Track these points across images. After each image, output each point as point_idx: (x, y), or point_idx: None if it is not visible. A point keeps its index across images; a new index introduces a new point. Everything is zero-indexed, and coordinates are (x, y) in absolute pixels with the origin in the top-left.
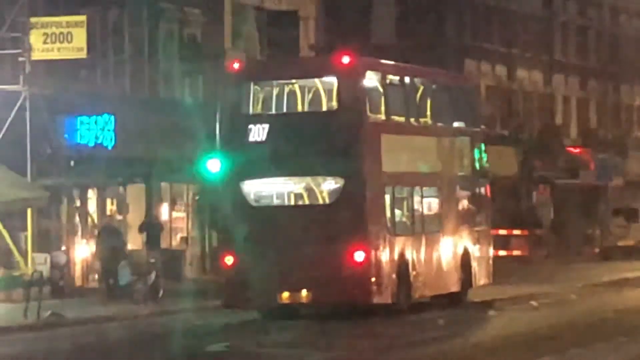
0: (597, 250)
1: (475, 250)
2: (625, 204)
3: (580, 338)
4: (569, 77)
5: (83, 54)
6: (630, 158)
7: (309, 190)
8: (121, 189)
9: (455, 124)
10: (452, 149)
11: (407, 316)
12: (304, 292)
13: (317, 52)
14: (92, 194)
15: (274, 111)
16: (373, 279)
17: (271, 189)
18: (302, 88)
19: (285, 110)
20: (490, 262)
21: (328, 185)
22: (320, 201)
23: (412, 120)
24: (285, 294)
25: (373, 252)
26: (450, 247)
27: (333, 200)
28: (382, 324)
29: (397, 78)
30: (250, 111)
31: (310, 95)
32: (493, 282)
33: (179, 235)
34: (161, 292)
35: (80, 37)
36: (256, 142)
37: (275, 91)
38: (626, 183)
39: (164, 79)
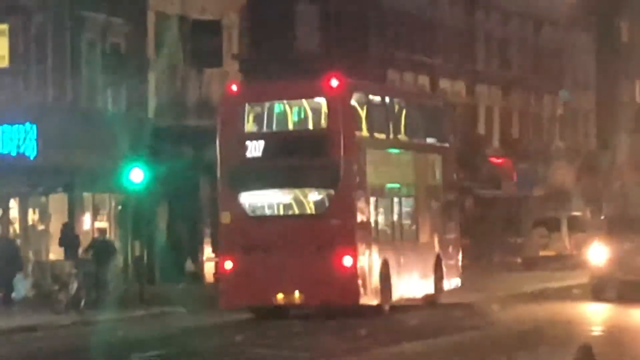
0: (519, 260)
1: (446, 256)
2: (547, 214)
3: (502, 348)
4: (491, 88)
5: (5, 63)
6: (552, 168)
7: (301, 201)
8: (43, 198)
9: (430, 140)
10: (427, 163)
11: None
12: (296, 294)
13: (241, 61)
14: (13, 204)
15: (268, 129)
16: (360, 282)
17: (267, 200)
18: (293, 108)
19: (278, 128)
20: (460, 267)
21: (319, 197)
22: (312, 211)
23: (392, 136)
24: (280, 296)
25: (360, 257)
26: (426, 253)
27: (323, 210)
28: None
29: (379, 98)
30: (247, 129)
31: (302, 114)
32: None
33: None
34: (83, 302)
35: (1, 46)
36: (253, 158)
37: (268, 111)
38: (548, 193)
39: (87, 88)
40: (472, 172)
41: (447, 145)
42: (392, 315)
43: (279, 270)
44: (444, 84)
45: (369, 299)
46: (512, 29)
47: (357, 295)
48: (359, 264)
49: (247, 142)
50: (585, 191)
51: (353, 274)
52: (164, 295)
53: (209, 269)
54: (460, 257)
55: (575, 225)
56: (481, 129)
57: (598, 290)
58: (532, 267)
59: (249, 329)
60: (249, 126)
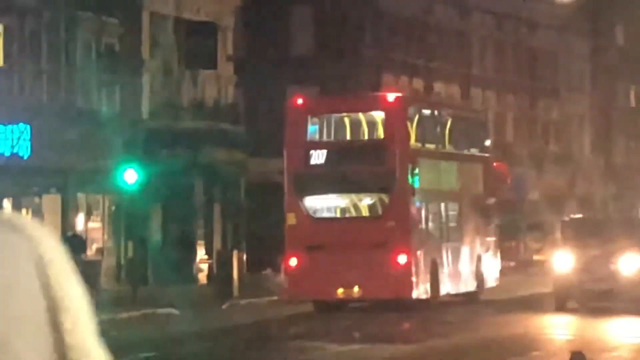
0: (512, 264)
1: (486, 257)
2: (541, 219)
3: (493, 354)
4: (486, 91)
5: None
6: (546, 172)
7: (360, 204)
8: (37, 199)
9: (473, 151)
10: (471, 171)
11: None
12: (356, 289)
13: (236, 63)
14: (7, 204)
15: (330, 139)
16: (413, 278)
17: (329, 203)
18: (353, 120)
19: (339, 138)
20: (498, 267)
21: (376, 201)
22: (369, 214)
23: (440, 147)
24: (340, 290)
25: (413, 256)
26: (468, 253)
27: (380, 213)
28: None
29: (429, 112)
30: (310, 139)
31: (361, 126)
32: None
33: (94, 246)
34: None
35: None
36: (316, 165)
37: (330, 122)
38: (542, 197)
39: (81, 89)
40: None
41: (487, 155)
42: (439, 309)
43: (340, 267)
44: (438, 87)
45: (420, 294)
46: (507, 33)
47: (410, 290)
48: (412, 262)
49: (311, 151)
50: (579, 195)
51: (407, 270)
52: (158, 296)
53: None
54: (498, 258)
55: None
56: None
57: (561, 300)
58: (525, 272)
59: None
60: (312, 136)
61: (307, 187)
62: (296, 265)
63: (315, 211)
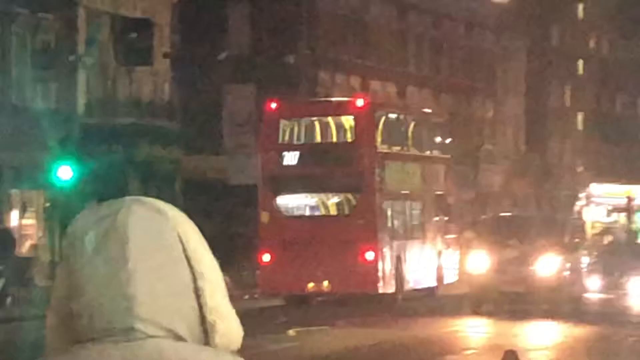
0: None
1: (447, 254)
2: (476, 217)
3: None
4: (422, 90)
5: None
6: (482, 171)
7: (330, 203)
8: None
9: (435, 152)
10: (433, 172)
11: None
12: (325, 283)
13: (172, 60)
14: None
15: (302, 141)
16: (380, 274)
17: (301, 202)
18: (323, 123)
19: (311, 140)
20: (458, 263)
21: (345, 200)
22: (339, 212)
23: (405, 149)
24: (311, 284)
25: (380, 252)
26: (430, 250)
27: (349, 211)
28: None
29: (395, 116)
30: (283, 141)
31: (331, 129)
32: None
33: (28, 242)
34: (9, 299)
35: None
36: (289, 166)
37: (302, 126)
38: (477, 195)
39: (16, 85)
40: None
41: (448, 156)
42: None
43: (310, 262)
44: (375, 85)
45: (387, 289)
46: (444, 32)
47: (376, 285)
48: (379, 258)
49: (284, 152)
50: (514, 194)
51: (374, 266)
52: None
53: None
54: (458, 254)
55: None
56: None
57: (476, 303)
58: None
59: None
60: (285, 138)
61: (280, 186)
62: (269, 261)
63: (287, 210)
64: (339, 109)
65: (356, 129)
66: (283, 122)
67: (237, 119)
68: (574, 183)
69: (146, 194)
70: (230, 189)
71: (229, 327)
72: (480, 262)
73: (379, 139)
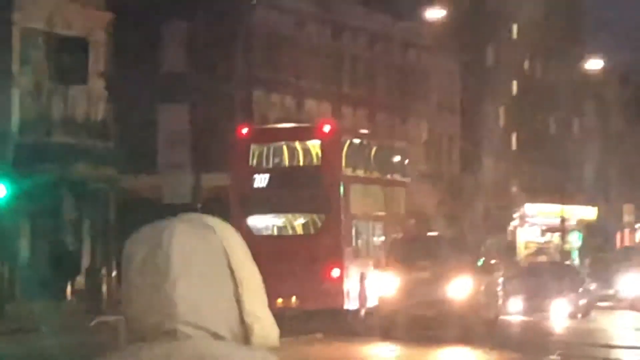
0: None
1: (370, 274)
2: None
3: None
4: (357, 110)
5: None
6: (416, 191)
7: (298, 223)
8: None
9: (395, 176)
10: (394, 194)
11: None
12: (293, 299)
13: (107, 79)
14: None
15: (271, 165)
16: (345, 290)
17: (271, 222)
18: (291, 148)
19: (280, 164)
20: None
21: (313, 220)
22: (306, 231)
23: (369, 172)
24: (279, 300)
25: (345, 270)
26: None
27: (316, 231)
28: None
29: (358, 141)
30: (253, 164)
31: (299, 153)
32: None
33: None
34: None
35: None
36: (258, 188)
37: (271, 150)
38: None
39: None
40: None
41: (408, 179)
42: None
43: (280, 279)
44: (310, 105)
45: (352, 305)
46: (379, 52)
47: (342, 301)
48: (344, 276)
49: (254, 175)
50: (447, 214)
51: (340, 283)
52: (25, 313)
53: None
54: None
55: None
56: None
57: (385, 327)
58: None
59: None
60: (256, 162)
61: (250, 207)
62: None
63: (258, 229)
64: (307, 134)
65: (322, 153)
66: (253, 147)
67: (172, 138)
68: (508, 203)
69: (81, 213)
70: (165, 207)
71: (264, 328)
72: (389, 284)
73: (344, 163)
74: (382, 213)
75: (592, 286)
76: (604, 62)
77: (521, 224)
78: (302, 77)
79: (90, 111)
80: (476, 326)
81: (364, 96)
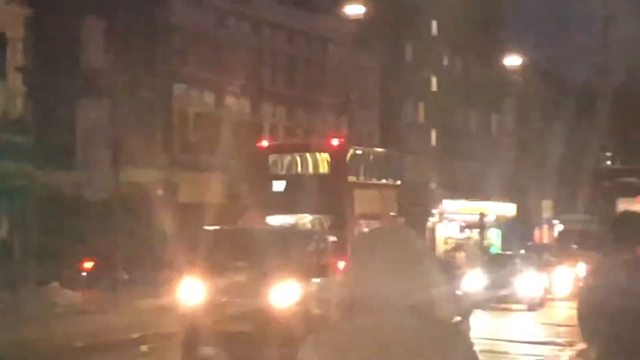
0: None
1: None
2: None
3: None
4: (276, 106)
5: None
6: None
7: (310, 223)
8: None
9: (390, 180)
10: (388, 197)
11: None
12: None
13: (25, 74)
14: None
15: (287, 172)
16: None
17: (285, 222)
18: (304, 158)
19: (294, 172)
20: None
21: (322, 220)
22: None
23: (369, 179)
24: None
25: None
26: None
27: (325, 229)
28: None
29: (360, 152)
30: (271, 172)
31: (311, 163)
32: None
33: None
34: None
35: None
36: (276, 192)
37: (287, 160)
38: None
39: None
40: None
41: (399, 183)
42: None
43: None
44: (229, 100)
45: None
46: (299, 48)
47: None
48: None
49: (272, 182)
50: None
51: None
52: None
53: None
54: None
55: None
56: None
57: (190, 345)
58: None
59: None
60: (273, 170)
61: (269, 209)
62: None
63: None
64: (317, 147)
65: (331, 163)
66: (271, 157)
67: (91, 134)
68: (427, 199)
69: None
70: (85, 204)
71: (443, 307)
72: (194, 291)
73: (350, 172)
74: (379, 213)
75: (482, 285)
76: (523, 58)
77: (440, 220)
78: (221, 73)
79: (9, 107)
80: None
81: (284, 92)
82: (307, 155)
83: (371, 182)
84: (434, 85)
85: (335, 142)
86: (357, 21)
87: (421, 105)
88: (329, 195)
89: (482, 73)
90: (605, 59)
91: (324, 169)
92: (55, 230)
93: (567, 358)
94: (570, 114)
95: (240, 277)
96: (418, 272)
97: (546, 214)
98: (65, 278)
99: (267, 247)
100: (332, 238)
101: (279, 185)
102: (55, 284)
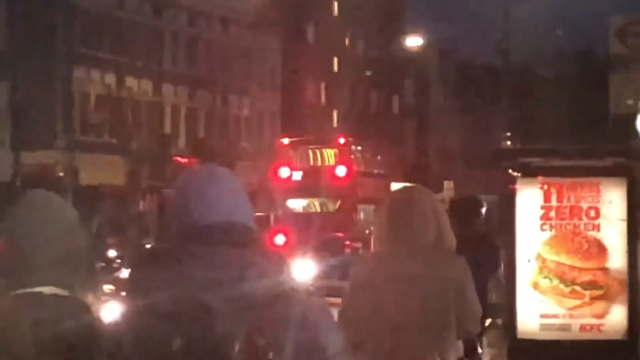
0: None
1: None
2: None
3: None
4: (178, 87)
5: None
6: (237, 167)
7: (323, 204)
8: None
9: (383, 170)
10: (378, 184)
11: None
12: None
13: None
14: None
15: (304, 164)
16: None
17: (303, 203)
18: (318, 152)
19: (311, 163)
20: None
21: (334, 202)
22: (329, 210)
23: (368, 169)
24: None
25: (354, 238)
26: None
27: (335, 209)
28: None
29: (360, 147)
30: (292, 164)
31: (324, 156)
32: None
33: None
34: None
35: None
36: (295, 180)
37: (304, 153)
38: None
39: None
40: (158, 171)
41: (386, 173)
42: None
43: (309, 239)
44: (130, 82)
45: None
46: (200, 29)
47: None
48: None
49: (292, 171)
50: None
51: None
52: None
53: None
54: None
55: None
56: (167, 128)
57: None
58: None
59: None
60: (293, 162)
61: (289, 193)
62: (285, 242)
63: (294, 208)
64: (328, 143)
65: (339, 156)
66: (291, 152)
67: None
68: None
69: None
70: None
71: (451, 241)
72: None
73: (355, 163)
74: (375, 198)
75: None
76: (425, 39)
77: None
78: (122, 55)
79: None
80: None
81: (185, 73)
82: (319, 150)
83: (368, 171)
84: (335, 66)
85: (341, 140)
86: (258, 2)
87: (323, 87)
88: (337, 182)
89: (384, 53)
90: (505, 38)
91: (333, 161)
92: None
93: None
94: (471, 94)
95: None
96: (433, 224)
97: (447, 193)
98: None
99: None
100: (340, 216)
101: (297, 175)
102: None
